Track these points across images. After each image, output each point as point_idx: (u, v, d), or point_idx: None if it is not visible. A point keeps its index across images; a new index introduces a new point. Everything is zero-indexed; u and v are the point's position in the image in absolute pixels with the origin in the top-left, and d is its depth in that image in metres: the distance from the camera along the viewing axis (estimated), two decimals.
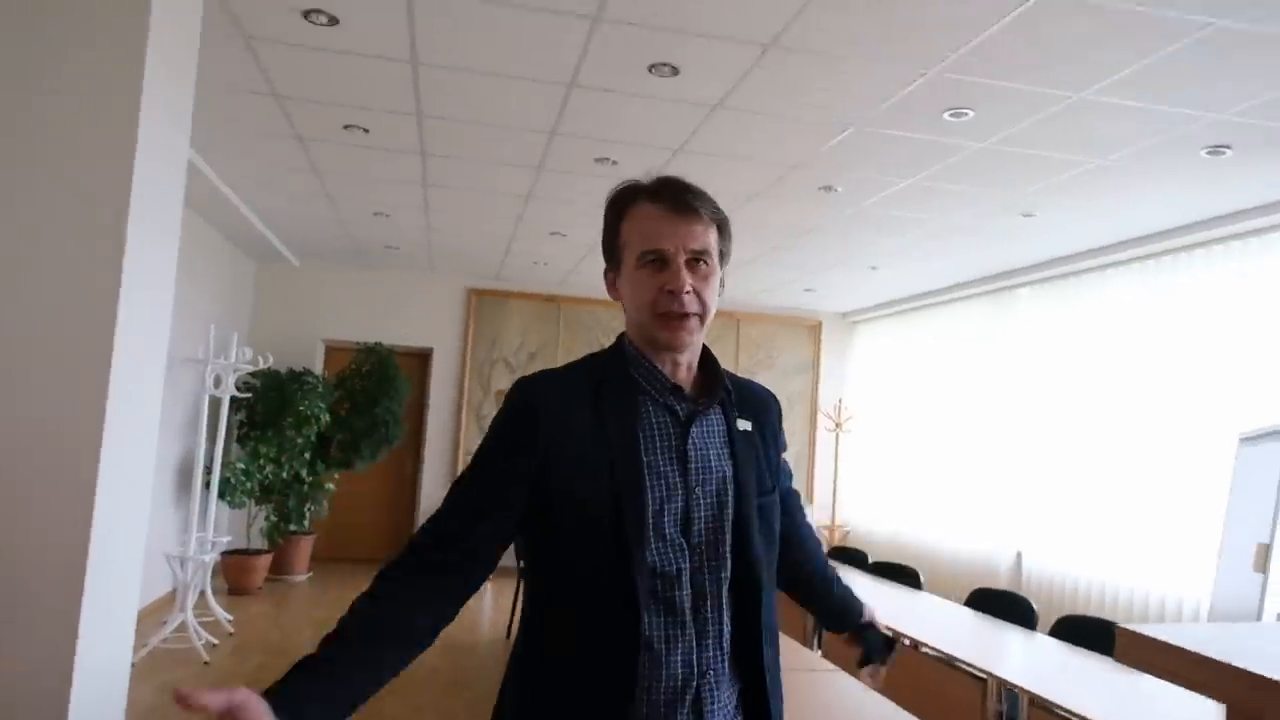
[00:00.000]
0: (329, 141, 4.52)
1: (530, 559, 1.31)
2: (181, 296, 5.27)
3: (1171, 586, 5.08)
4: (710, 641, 1.26)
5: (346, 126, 4.26)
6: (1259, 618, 3.52)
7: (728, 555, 1.28)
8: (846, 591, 1.68)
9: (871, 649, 1.62)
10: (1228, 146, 3.78)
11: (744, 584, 1.29)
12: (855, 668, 1.68)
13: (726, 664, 1.27)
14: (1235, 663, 1.06)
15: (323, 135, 4.43)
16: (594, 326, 8.58)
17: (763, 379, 7.70)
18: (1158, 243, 5.24)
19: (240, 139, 4.59)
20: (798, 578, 1.63)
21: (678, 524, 1.26)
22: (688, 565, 1.25)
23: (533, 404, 1.27)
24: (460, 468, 8.33)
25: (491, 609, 6.62)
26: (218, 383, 5.69)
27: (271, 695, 1.05)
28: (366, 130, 4.29)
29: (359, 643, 1.16)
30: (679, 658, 1.23)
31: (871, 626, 1.66)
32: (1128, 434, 5.54)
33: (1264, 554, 3.58)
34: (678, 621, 1.24)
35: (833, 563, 5.35)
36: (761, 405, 1.44)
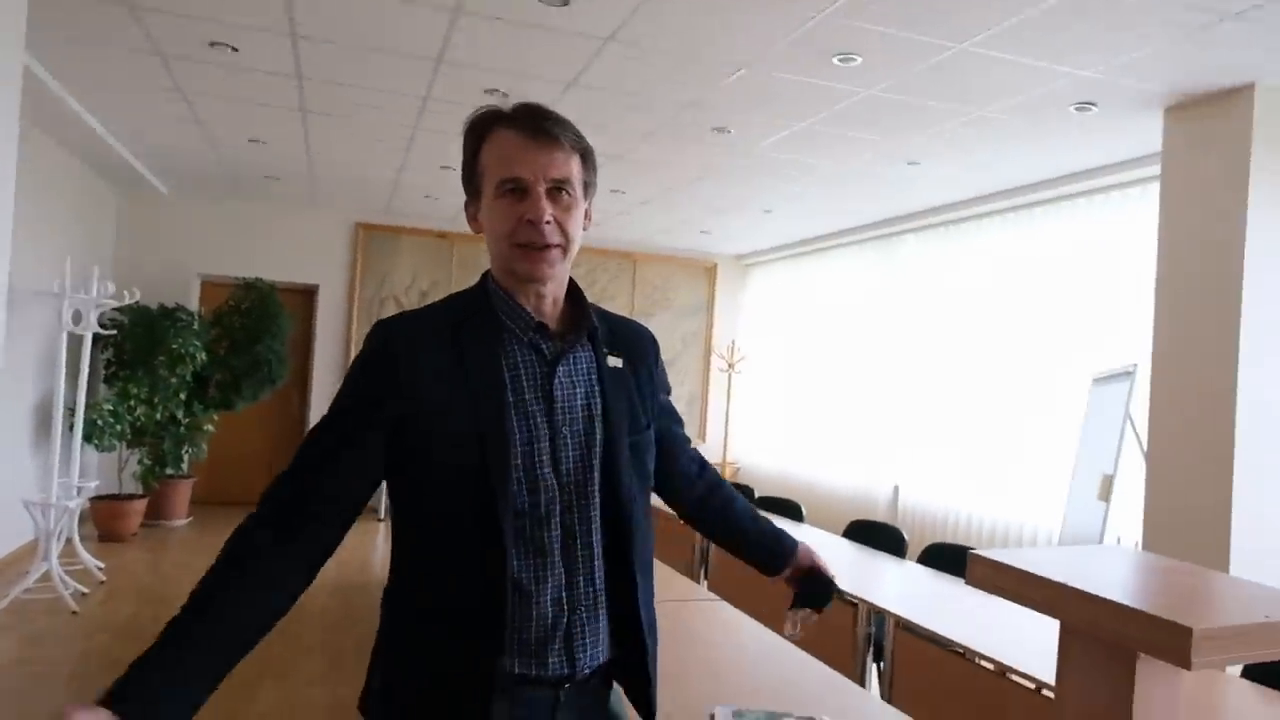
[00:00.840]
0: (193, 60, 4.19)
1: (396, 503, 1.28)
2: (28, 225, 4.89)
3: (1029, 516, 5.49)
4: (581, 579, 1.26)
5: (212, 44, 3.96)
6: (1101, 543, 3.84)
7: (596, 493, 1.28)
8: (768, 524, 1.62)
9: (810, 593, 1.52)
10: (1093, 104, 3.98)
11: (615, 521, 1.30)
12: (786, 609, 1.56)
13: (599, 600, 1.28)
14: (1069, 582, 1.16)
15: (185, 52, 4.11)
16: (488, 265, 8.40)
17: (659, 319, 7.77)
18: (1029, 194, 5.50)
19: (92, 54, 4.20)
20: (710, 509, 1.60)
21: (546, 464, 1.25)
22: (558, 505, 1.25)
23: (391, 347, 1.23)
24: None
25: (384, 547, 6.55)
26: (77, 319, 5.31)
27: (116, 702, 0.97)
28: (235, 49, 4.00)
29: (210, 624, 1.08)
30: (549, 596, 1.24)
31: (815, 569, 1.56)
32: (995, 375, 5.88)
33: (1108, 484, 3.89)
34: (547, 561, 1.24)
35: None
36: (636, 343, 1.41)
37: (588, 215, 1.32)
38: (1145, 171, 4.72)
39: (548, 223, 1.23)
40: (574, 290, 1.35)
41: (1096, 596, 1.10)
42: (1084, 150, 4.69)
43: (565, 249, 1.27)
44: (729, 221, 7.47)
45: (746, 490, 5.72)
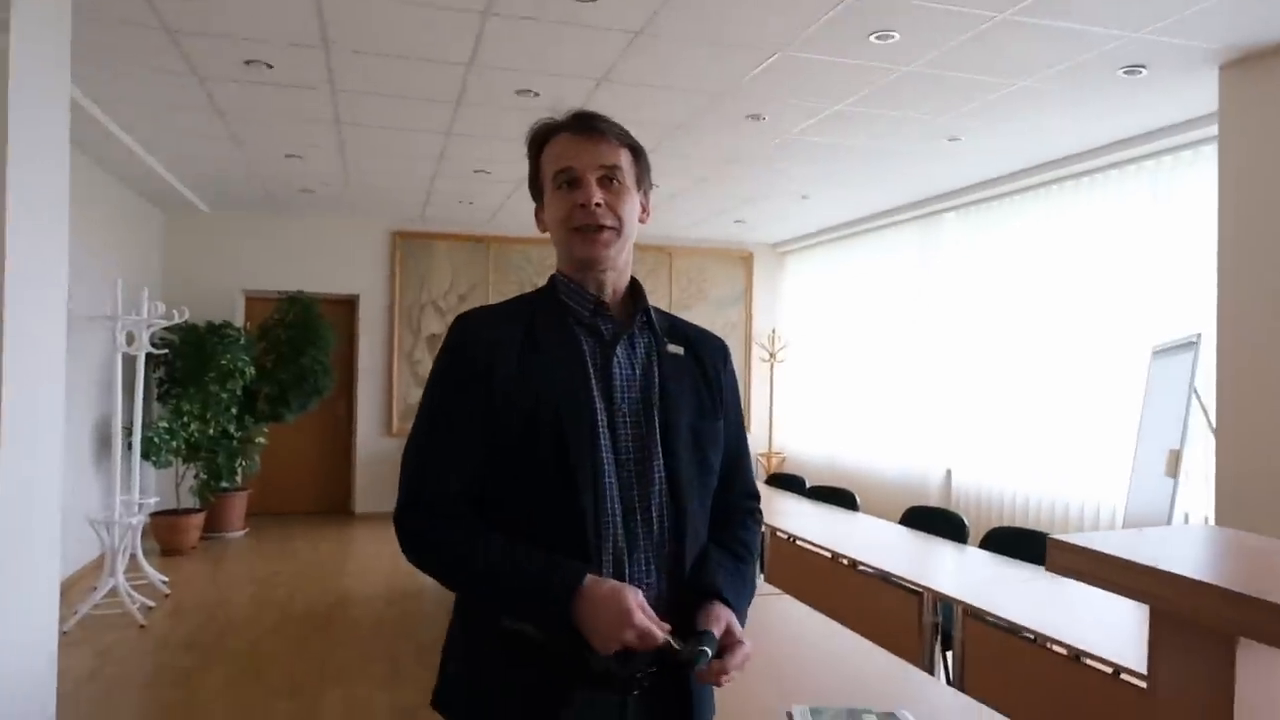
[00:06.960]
0: (230, 80, 4.25)
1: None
2: (81, 250, 5.00)
3: (1090, 495, 5.34)
4: (642, 556, 1.28)
5: (248, 62, 4.00)
6: (1169, 520, 3.72)
7: (660, 473, 1.30)
8: (727, 572, 1.34)
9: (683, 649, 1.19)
10: (1143, 66, 3.84)
11: (671, 501, 1.31)
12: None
13: (657, 576, 1.29)
14: (1161, 565, 1.10)
15: (222, 73, 4.16)
16: (524, 266, 8.43)
17: (696, 312, 7.71)
18: (1076, 164, 5.34)
19: (133, 79, 4.28)
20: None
21: (603, 442, 1.28)
22: (615, 481, 1.28)
23: (478, 337, 1.31)
24: (395, 415, 8.24)
25: None
26: (130, 340, 5.43)
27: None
28: (270, 66, 4.04)
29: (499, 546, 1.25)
30: (609, 571, 1.26)
31: (709, 634, 1.22)
32: (1048, 351, 5.73)
33: (1175, 460, 3.76)
34: (608, 534, 1.27)
35: (773, 489, 5.19)
36: (702, 343, 1.46)
37: (645, 209, 1.41)
38: (1200, 133, 4.55)
39: (598, 205, 1.31)
40: (635, 284, 1.43)
41: (1192, 579, 1.05)
42: (1133, 115, 4.54)
43: (619, 231, 1.34)
44: (764, 209, 7.38)
45: (798, 481, 5.65)
